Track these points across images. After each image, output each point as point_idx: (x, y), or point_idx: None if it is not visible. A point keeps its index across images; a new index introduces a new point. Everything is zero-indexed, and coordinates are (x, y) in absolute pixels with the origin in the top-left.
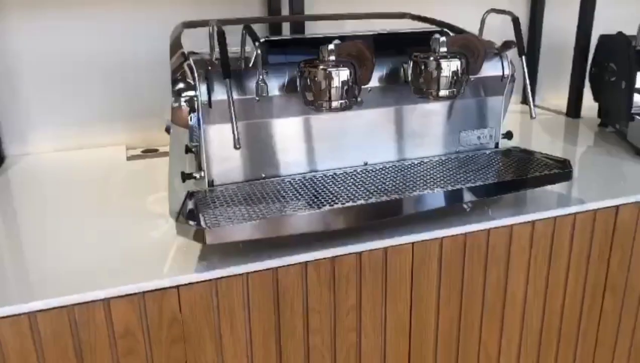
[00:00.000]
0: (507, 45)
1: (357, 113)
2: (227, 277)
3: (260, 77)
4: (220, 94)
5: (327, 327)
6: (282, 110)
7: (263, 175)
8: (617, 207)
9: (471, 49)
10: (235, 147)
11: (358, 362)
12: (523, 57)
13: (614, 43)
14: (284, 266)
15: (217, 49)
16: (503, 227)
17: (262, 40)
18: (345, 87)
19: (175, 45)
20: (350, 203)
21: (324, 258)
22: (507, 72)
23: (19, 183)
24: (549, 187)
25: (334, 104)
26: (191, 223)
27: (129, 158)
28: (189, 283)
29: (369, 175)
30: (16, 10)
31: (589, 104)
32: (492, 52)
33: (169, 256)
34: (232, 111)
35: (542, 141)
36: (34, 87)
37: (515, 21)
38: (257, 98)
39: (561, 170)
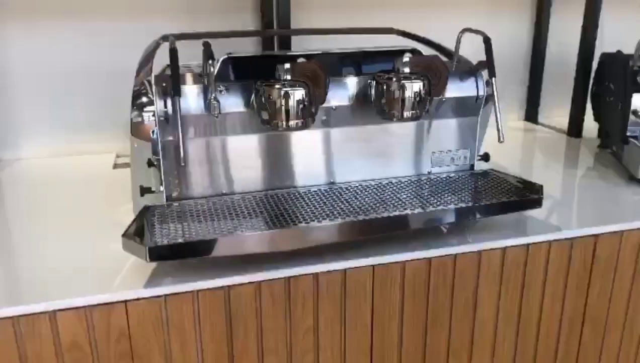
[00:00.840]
0: (481, 65)
1: (324, 131)
2: (176, 294)
3: (213, 95)
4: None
5: (283, 347)
6: (243, 127)
7: (223, 191)
8: (596, 236)
9: (433, 70)
10: (181, 164)
11: None
12: (494, 78)
13: (613, 62)
14: (236, 285)
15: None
16: (471, 253)
17: (225, 56)
18: (300, 106)
19: (146, 59)
20: (303, 224)
21: (279, 278)
22: (481, 93)
23: (2, 187)
24: (528, 212)
25: (290, 123)
26: (134, 239)
27: (115, 166)
28: (137, 299)
29: (334, 195)
30: (10, 20)
31: (593, 124)
32: (466, 73)
33: (123, 269)
34: (179, 129)
35: (536, 160)
36: (27, 94)
37: (487, 42)
38: (216, 115)
39: (531, 197)
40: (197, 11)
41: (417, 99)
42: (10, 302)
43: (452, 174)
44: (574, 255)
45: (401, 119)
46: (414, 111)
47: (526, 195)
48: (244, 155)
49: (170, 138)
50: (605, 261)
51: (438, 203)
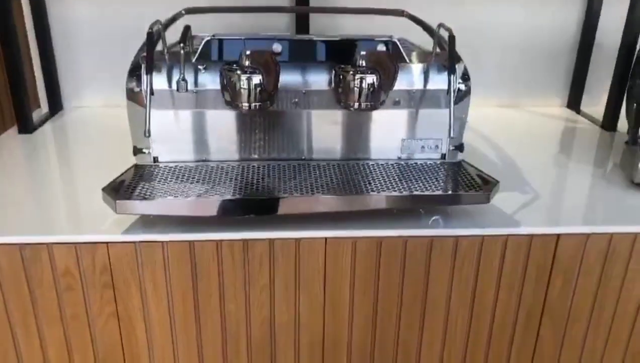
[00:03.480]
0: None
1: (293, 113)
2: (147, 242)
3: (182, 75)
4: (161, 83)
5: (242, 298)
6: (221, 103)
7: (204, 158)
8: (557, 236)
9: (382, 66)
10: (144, 135)
11: (272, 332)
12: (452, 75)
13: None
14: (199, 240)
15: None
16: (421, 237)
17: (209, 38)
18: (257, 90)
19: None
20: (258, 195)
21: (237, 239)
22: (453, 86)
23: (64, 130)
24: (497, 204)
25: (245, 105)
26: (109, 193)
27: None
28: (116, 242)
29: (299, 170)
30: None
31: None
32: (442, 66)
33: (112, 217)
34: (148, 102)
35: (552, 152)
36: (89, 48)
37: (451, 39)
38: (194, 91)
39: (479, 192)
40: None
41: (371, 90)
42: (19, 232)
43: (420, 162)
44: (532, 251)
45: (358, 109)
46: (367, 103)
47: (474, 190)
48: (221, 128)
49: (156, 108)
50: (567, 262)
51: (382, 188)
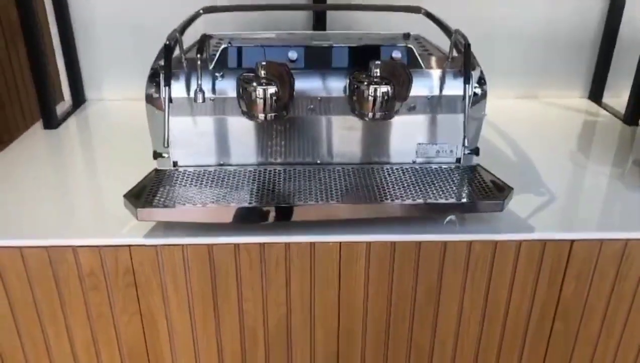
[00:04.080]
0: (472, 65)
1: (310, 118)
2: (168, 245)
3: (199, 85)
4: (180, 91)
5: (259, 298)
6: (238, 109)
7: (223, 162)
8: (571, 241)
9: (397, 77)
10: (163, 145)
11: (289, 330)
12: (467, 85)
13: None
14: (217, 244)
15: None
16: (434, 242)
17: (225, 45)
18: (271, 101)
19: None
20: (279, 203)
21: (254, 243)
22: (469, 93)
23: (87, 125)
24: (511, 207)
25: (261, 116)
26: (130, 201)
27: None
28: (138, 245)
29: (315, 175)
30: None
31: None
32: (457, 73)
33: (133, 220)
34: (167, 115)
35: (569, 147)
36: (110, 41)
37: (467, 48)
38: (212, 98)
39: (492, 201)
40: None
41: (386, 99)
42: (46, 236)
43: (435, 166)
44: (545, 256)
45: (372, 118)
46: (381, 113)
47: (488, 199)
48: (239, 133)
49: (174, 114)
50: (581, 267)
51: (397, 194)
